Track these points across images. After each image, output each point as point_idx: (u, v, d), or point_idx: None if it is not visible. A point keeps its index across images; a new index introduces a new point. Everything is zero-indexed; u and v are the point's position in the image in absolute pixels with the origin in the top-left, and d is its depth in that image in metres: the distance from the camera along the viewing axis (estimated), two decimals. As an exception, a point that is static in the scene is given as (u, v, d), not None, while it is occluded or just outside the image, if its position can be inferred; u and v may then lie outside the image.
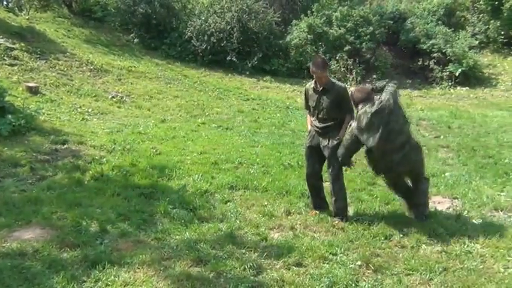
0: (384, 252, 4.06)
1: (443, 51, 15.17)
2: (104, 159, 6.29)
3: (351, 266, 3.76)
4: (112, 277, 3.48)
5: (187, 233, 4.26)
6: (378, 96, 4.49)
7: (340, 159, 4.69)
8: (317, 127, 4.80)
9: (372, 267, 3.74)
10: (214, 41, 15.32)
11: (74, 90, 10.14)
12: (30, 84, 9.26)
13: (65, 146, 6.68)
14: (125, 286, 3.41)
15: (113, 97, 10.38)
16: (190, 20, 15.90)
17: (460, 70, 14.82)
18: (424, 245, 4.15)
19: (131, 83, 11.81)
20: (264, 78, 15.06)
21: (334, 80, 4.94)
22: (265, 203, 5.07)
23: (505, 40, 16.29)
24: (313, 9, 16.58)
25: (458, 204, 5.16)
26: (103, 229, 4.25)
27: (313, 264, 3.81)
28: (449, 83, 14.96)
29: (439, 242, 4.21)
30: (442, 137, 8.59)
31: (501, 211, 4.94)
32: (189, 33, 15.52)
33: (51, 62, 11.20)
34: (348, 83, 14.86)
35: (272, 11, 16.30)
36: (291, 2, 17.97)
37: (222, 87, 13.43)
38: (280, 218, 4.72)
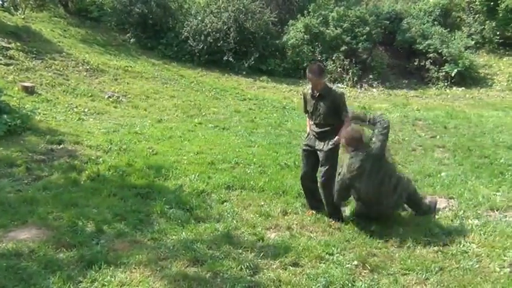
0: (380, 252, 4.07)
1: (439, 51, 15.22)
2: (100, 159, 6.27)
3: (347, 265, 3.77)
4: (108, 277, 3.47)
5: (183, 233, 4.25)
6: (372, 139, 4.47)
7: (335, 203, 4.71)
8: (314, 131, 4.81)
9: (369, 267, 3.75)
10: (211, 41, 15.31)
11: (70, 90, 10.11)
12: (26, 84, 9.23)
13: (61, 146, 6.66)
14: (121, 286, 3.40)
15: (109, 97, 10.36)
16: (186, 20, 15.88)
17: (456, 70, 14.87)
18: (420, 245, 4.16)
19: (127, 83, 11.78)
20: (261, 78, 15.06)
21: (331, 86, 4.94)
22: (262, 203, 5.07)
23: (500, 40, 16.37)
24: (309, 10, 16.60)
25: (454, 204, 5.17)
26: (99, 229, 4.24)
27: (310, 264, 3.81)
28: (445, 83, 15.02)
29: (435, 241, 4.22)
30: (438, 137, 8.61)
31: (497, 211, 4.96)
32: (185, 33, 15.51)
33: (47, 61, 11.16)
34: (345, 83, 14.90)
35: (269, 11, 16.31)
36: (288, 2, 17.98)
37: (219, 87, 13.43)
38: (277, 218, 4.72)
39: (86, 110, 9.17)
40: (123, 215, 4.57)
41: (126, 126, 8.38)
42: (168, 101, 11.11)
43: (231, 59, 15.28)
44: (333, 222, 4.63)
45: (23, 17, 13.74)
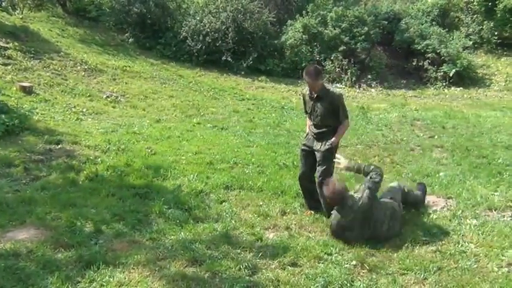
0: (378, 252, 4.08)
1: (438, 51, 15.24)
2: (99, 159, 6.26)
3: (346, 265, 3.77)
4: (107, 277, 3.47)
5: (182, 233, 4.25)
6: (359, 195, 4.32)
7: None
8: (313, 132, 4.82)
9: (367, 267, 3.75)
10: (209, 40, 15.30)
11: (68, 90, 10.10)
12: (24, 84, 9.21)
13: (59, 146, 6.65)
14: (119, 286, 3.40)
15: (108, 97, 10.35)
16: (185, 20, 15.87)
17: (454, 70, 14.89)
18: (418, 245, 4.16)
19: (126, 83, 11.77)
20: (259, 78, 15.06)
21: (329, 87, 4.94)
22: (261, 203, 5.07)
23: (498, 41, 16.39)
24: (308, 10, 16.60)
25: (453, 204, 5.18)
26: (98, 229, 4.23)
27: (308, 264, 3.81)
28: (444, 83, 15.04)
29: (433, 241, 4.23)
30: (436, 137, 8.62)
31: (495, 211, 4.97)
32: (184, 33, 15.50)
33: (45, 61, 11.14)
34: (343, 83, 14.91)
35: (267, 11, 16.30)
36: (286, 2, 17.98)
37: (217, 87, 13.42)
38: (276, 218, 4.72)
39: (84, 110, 9.15)
40: (121, 215, 4.56)
41: (125, 126, 8.37)
42: (166, 101, 11.10)
43: (229, 59, 15.28)
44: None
45: (21, 16, 13.72)
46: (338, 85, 14.49)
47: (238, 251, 3.97)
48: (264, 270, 3.68)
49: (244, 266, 3.67)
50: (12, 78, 9.54)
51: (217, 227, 4.41)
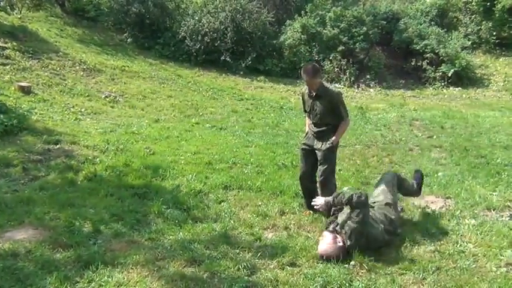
0: (377, 251, 4.07)
1: (436, 51, 15.28)
2: (97, 159, 6.26)
3: (344, 265, 3.77)
4: (105, 278, 3.46)
5: (181, 233, 4.25)
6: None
7: None
8: (313, 131, 4.81)
9: (366, 267, 3.75)
10: (208, 40, 15.31)
11: (67, 90, 10.09)
12: (23, 84, 9.20)
13: (58, 146, 6.64)
14: (118, 287, 3.39)
15: (106, 97, 10.34)
16: (184, 20, 15.87)
17: (452, 70, 14.93)
18: (417, 245, 4.16)
19: (124, 83, 11.77)
20: (258, 78, 15.07)
21: (327, 85, 4.93)
22: (259, 203, 5.07)
23: (497, 41, 16.44)
24: (306, 10, 16.62)
25: (451, 204, 5.18)
26: (96, 229, 4.22)
27: (307, 264, 3.81)
28: (442, 84, 15.07)
29: (432, 241, 4.23)
30: (435, 137, 8.63)
31: (493, 210, 4.97)
32: (182, 33, 15.50)
33: (44, 61, 11.13)
34: (342, 83, 14.93)
35: (266, 11, 16.32)
36: (285, 2, 18.00)
37: (216, 87, 13.42)
38: (274, 218, 4.71)
39: (82, 109, 9.14)
40: (120, 215, 4.56)
41: (123, 126, 8.37)
42: (165, 101, 11.10)
43: (228, 59, 15.28)
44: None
45: (19, 16, 13.70)
46: (337, 85, 14.50)
47: (237, 251, 3.97)
48: (262, 270, 3.67)
49: (243, 266, 3.66)
50: (10, 78, 9.53)
51: (216, 227, 4.40)
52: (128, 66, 13.06)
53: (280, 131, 9.09)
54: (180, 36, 15.58)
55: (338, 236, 3.96)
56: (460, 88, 14.79)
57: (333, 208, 4.27)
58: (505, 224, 4.57)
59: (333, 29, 15.66)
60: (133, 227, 4.35)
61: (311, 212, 4.83)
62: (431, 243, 4.19)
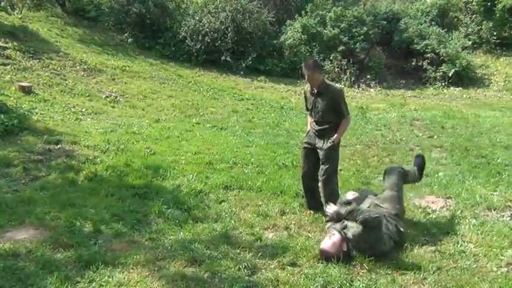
0: (377, 251, 4.07)
1: (437, 51, 15.27)
2: (98, 159, 6.26)
3: (345, 265, 3.77)
4: (106, 277, 3.46)
5: (181, 233, 4.25)
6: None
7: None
8: (314, 129, 4.79)
9: (366, 267, 3.75)
10: (209, 40, 15.31)
11: (68, 90, 10.09)
12: (23, 84, 9.21)
13: (59, 146, 6.64)
14: (119, 287, 3.39)
15: (107, 97, 10.34)
16: (184, 20, 15.87)
17: (453, 70, 14.92)
18: (417, 245, 4.16)
19: (125, 83, 11.77)
20: (259, 78, 15.07)
21: (329, 82, 4.92)
22: (260, 203, 5.07)
23: (497, 41, 16.43)
24: (307, 10, 16.62)
25: (452, 204, 5.18)
26: (97, 229, 4.23)
27: (308, 263, 3.81)
28: (443, 83, 15.06)
29: (432, 241, 4.23)
30: (435, 137, 8.63)
31: (494, 210, 4.97)
32: (183, 33, 15.50)
33: (45, 61, 11.14)
34: (342, 83, 14.92)
35: (266, 11, 16.32)
36: (285, 2, 17.99)
37: (217, 87, 13.43)
38: (275, 218, 4.71)
39: (83, 109, 9.15)
40: (120, 215, 4.56)
41: (124, 126, 8.37)
42: (165, 101, 11.10)
43: (228, 59, 15.28)
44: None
45: (20, 16, 13.71)
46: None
47: (238, 251, 3.97)
48: (263, 270, 3.67)
49: (243, 266, 3.66)
50: (11, 78, 9.54)
51: (216, 227, 4.40)
52: (128, 66, 13.07)
53: (281, 131, 9.09)
54: (180, 36, 15.57)
55: (345, 242, 3.92)
56: (460, 88, 14.78)
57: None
58: (505, 224, 4.57)
59: (334, 29, 15.65)
60: (133, 227, 4.35)
61: (311, 212, 4.84)
62: (431, 243, 4.19)
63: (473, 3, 17.08)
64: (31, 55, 11.12)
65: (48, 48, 12.00)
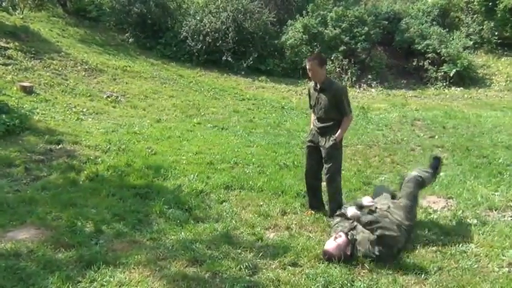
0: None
1: (438, 51, 15.25)
2: (99, 159, 6.27)
3: (346, 265, 3.76)
4: (107, 277, 3.46)
5: (182, 233, 4.25)
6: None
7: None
8: (317, 127, 4.79)
9: (367, 267, 3.75)
10: (210, 40, 15.31)
11: (69, 90, 10.10)
12: (25, 84, 9.22)
13: (60, 146, 6.65)
14: (120, 286, 3.39)
15: (108, 97, 10.35)
16: (185, 20, 15.88)
17: (454, 70, 14.90)
18: (419, 245, 4.16)
19: (126, 83, 11.78)
20: (260, 78, 15.07)
21: (333, 80, 4.93)
22: (261, 203, 5.07)
23: (499, 41, 16.40)
24: (308, 10, 16.61)
25: (453, 204, 5.18)
26: (98, 229, 4.23)
27: (309, 264, 3.81)
28: (444, 83, 15.04)
29: (434, 241, 4.23)
30: (436, 137, 8.62)
31: (495, 210, 4.96)
32: (184, 33, 15.51)
33: (46, 61, 11.15)
34: (343, 83, 14.90)
35: (267, 11, 16.32)
36: (286, 2, 17.99)
37: (218, 87, 13.43)
38: (276, 218, 4.71)
39: (84, 109, 9.16)
40: (122, 215, 4.56)
41: (125, 126, 8.38)
42: (166, 101, 11.11)
43: (229, 59, 15.28)
44: (332, 222, 4.62)
45: (21, 16, 13.73)
46: (338, 85, 14.47)
47: (239, 251, 3.97)
48: (264, 270, 3.67)
49: (244, 266, 3.66)
50: (12, 78, 9.55)
51: (217, 227, 4.41)
52: (129, 66, 13.08)
53: (282, 131, 9.08)
54: (181, 36, 15.58)
55: (350, 245, 3.91)
56: (461, 88, 14.76)
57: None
58: (507, 224, 4.56)
59: (335, 29, 15.64)
60: (135, 227, 4.36)
61: (313, 212, 4.84)
62: (433, 244, 4.18)
63: (475, 3, 17.05)
64: (32, 55, 11.14)
65: (49, 48, 12.01)
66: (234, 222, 4.56)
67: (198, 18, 15.76)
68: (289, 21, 16.82)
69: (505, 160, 6.82)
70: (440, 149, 7.72)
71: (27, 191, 5.04)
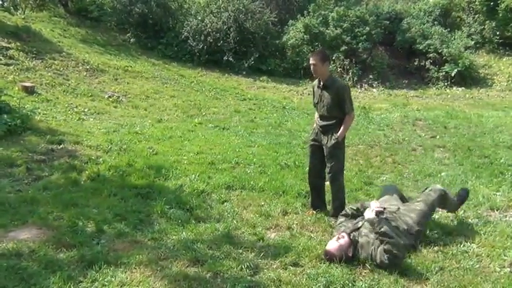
0: (380, 252, 4.06)
1: (439, 51, 15.24)
2: (101, 159, 6.27)
3: (347, 265, 3.76)
4: (109, 277, 3.46)
5: (184, 233, 4.25)
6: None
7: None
8: (319, 125, 4.78)
9: (369, 267, 3.74)
10: (211, 40, 15.32)
11: (70, 90, 10.12)
12: (26, 84, 9.23)
13: (61, 146, 6.65)
14: (121, 286, 3.39)
15: (109, 97, 10.36)
16: (186, 20, 15.90)
17: (455, 70, 14.89)
18: (420, 245, 4.15)
19: (127, 83, 11.79)
20: (261, 78, 15.07)
21: (336, 78, 4.93)
22: (262, 203, 5.07)
23: (500, 40, 16.39)
24: (309, 10, 16.62)
25: (455, 204, 5.16)
26: (99, 229, 4.23)
27: (310, 264, 3.80)
28: (445, 83, 15.03)
29: (435, 241, 4.22)
30: (438, 137, 8.61)
31: (497, 210, 4.96)
32: (185, 33, 15.52)
33: (47, 61, 11.17)
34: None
35: (268, 11, 16.32)
36: (288, 2, 18.00)
37: (219, 87, 13.43)
38: (277, 218, 4.71)
39: (86, 109, 9.17)
40: (123, 215, 4.56)
41: (126, 126, 8.38)
42: (168, 101, 11.11)
43: (231, 59, 15.29)
44: (333, 222, 4.62)
45: (23, 16, 13.76)
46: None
47: (240, 251, 3.97)
48: (265, 270, 3.67)
49: (246, 266, 3.66)
50: (14, 78, 9.57)
51: (219, 227, 4.40)
52: (130, 66, 13.09)
53: (283, 131, 9.08)
54: (183, 37, 15.60)
55: (352, 246, 3.90)
56: (463, 88, 14.75)
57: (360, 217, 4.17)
58: (508, 224, 4.55)
59: (336, 29, 15.64)
60: (136, 227, 4.36)
61: (314, 211, 4.83)
62: (434, 244, 4.18)
63: (476, 2, 17.04)
64: (34, 55, 11.15)
65: (50, 49, 12.03)
66: (235, 222, 4.56)
67: (200, 18, 15.77)
68: (290, 21, 16.83)
69: (506, 160, 6.81)
70: (441, 149, 7.72)
71: (29, 191, 5.05)
